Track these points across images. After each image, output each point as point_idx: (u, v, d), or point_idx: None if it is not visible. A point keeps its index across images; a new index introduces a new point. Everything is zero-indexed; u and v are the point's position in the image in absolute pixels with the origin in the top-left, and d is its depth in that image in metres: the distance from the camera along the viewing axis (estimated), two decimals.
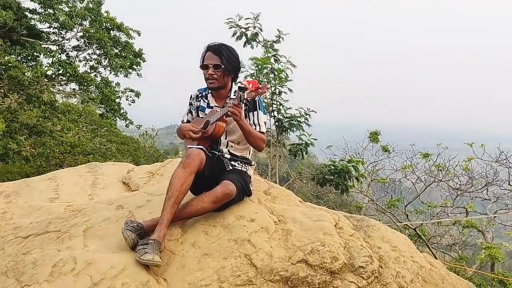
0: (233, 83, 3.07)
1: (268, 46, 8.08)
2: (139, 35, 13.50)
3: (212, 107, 3.03)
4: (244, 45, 8.08)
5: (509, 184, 9.42)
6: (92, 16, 12.21)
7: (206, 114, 3.03)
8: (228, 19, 7.95)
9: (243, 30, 7.95)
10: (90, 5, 12.24)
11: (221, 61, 2.86)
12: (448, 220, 9.33)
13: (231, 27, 7.93)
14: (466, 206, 9.46)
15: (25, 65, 11.24)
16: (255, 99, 2.87)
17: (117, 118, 14.58)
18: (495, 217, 9.27)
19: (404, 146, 10.33)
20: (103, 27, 12.50)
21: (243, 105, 2.75)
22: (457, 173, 9.90)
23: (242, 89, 2.67)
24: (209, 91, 3.08)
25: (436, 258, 8.29)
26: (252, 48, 8.13)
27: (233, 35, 8.00)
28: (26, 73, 10.71)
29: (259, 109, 2.97)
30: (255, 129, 2.90)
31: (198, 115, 3.11)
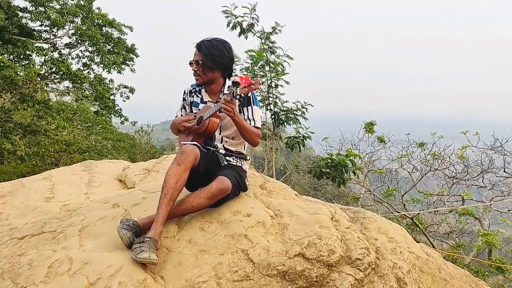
0: (226, 77, 3.05)
1: (264, 37, 7.95)
2: (132, 31, 13.38)
3: (205, 102, 3.02)
4: (239, 36, 7.95)
5: (504, 171, 9.48)
6: (84, 13, 12.09)
7: (199, 109, 3.02)
8: (223, 7, 7.78)
9: (239, 20, 7.80)
10: (82, 2, 12.12)
11: (200, 57, 2.90)
12: (445, 208, 9.39)
13: (227, 16, 7.80)
14: (462, 194, 9.52)
15: (17, 65, 11.14)
16: (249, 94, 2.85)
17: (112, 115, 14.49)
18: (491, 204, 9.32)
19: (399, 136, 10.37)
20: (95, 24, 12.39)
21: (236, 100, 2.73)
22: (452, 161, 9.96)
23: (235, 84, 2.65)
24: (203, 86, 3.07)
25: (433, 246, 8.34)
26: (247, 39, 7.99)
27: (228, 25, 7.85)
28: (19, 73, 10.63)
29: (254, 104, 2.95)
30: (250, 124, 2.89)
31: (191, 111, 3.09)
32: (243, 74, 7.50)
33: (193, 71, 2.96)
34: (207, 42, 2.91)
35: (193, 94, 3.11)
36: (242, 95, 2.69)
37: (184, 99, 3.17)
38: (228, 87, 2.74)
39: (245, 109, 2.93)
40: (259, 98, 7.75)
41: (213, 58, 2.89)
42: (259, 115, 2.98)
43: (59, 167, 7.70)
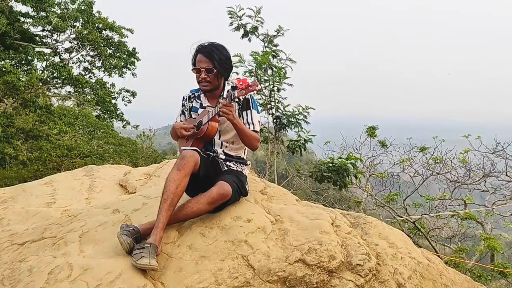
0: (226, 82, 3.06)
1: (268, 41, 7.90)
2: (132, 33, 13.39)
3: (205, 107, 3.02)
4: (242, 38, 7.92)
5: (506, 175, 9.45)
6: (85, 18, 12.15)
7: (199, 114, 3.02)
8: (228, 7, 7.72)
9: (243, 22, 7.75)
10: (82, 7, 12.19)
11: (213, 65, 2.84)
12: (447, 213, 9.36)
13: (231, 17, 7.76)
14: (465, 198, 9.49)
15: (19, 70, 11.18)
16: (247, 97, 2.86)
17: (113, 119, 14.51)
18: (493, 208, 9.29)
19: (401, 140, 10.35)
20: (96, 28, 12.44)
21: (235, 104, 2.74)
22: (454, 165, 9.93)
23: (234, 88, 2.66)
24: (202, 92, 3.07)
25: (436, 250, 8.32)
26: (250, 41, 7.94)
27: (231, 24, 7.81)
28: (21, 78, 10.67)
29: (253, 108, 2.95)
30: (249, 128, 2.89)
31: (191, 116, 3.09)
32: (241, 77, 7.49)
33: (202, 78, 2.87)
34: (215, 48, 2.87)
35: (192, 100, 3.11)
36: (241, 97, 2.70)
37: (183, 105, 3.17)
38: (227, 91, 2.75)
39: (244, 113, 2.93)
40: (260, 102, 7.75)
41: (224, 66, 2.89)
42: (258, 119, 2.97)
43: (61, 171, 7.70)
